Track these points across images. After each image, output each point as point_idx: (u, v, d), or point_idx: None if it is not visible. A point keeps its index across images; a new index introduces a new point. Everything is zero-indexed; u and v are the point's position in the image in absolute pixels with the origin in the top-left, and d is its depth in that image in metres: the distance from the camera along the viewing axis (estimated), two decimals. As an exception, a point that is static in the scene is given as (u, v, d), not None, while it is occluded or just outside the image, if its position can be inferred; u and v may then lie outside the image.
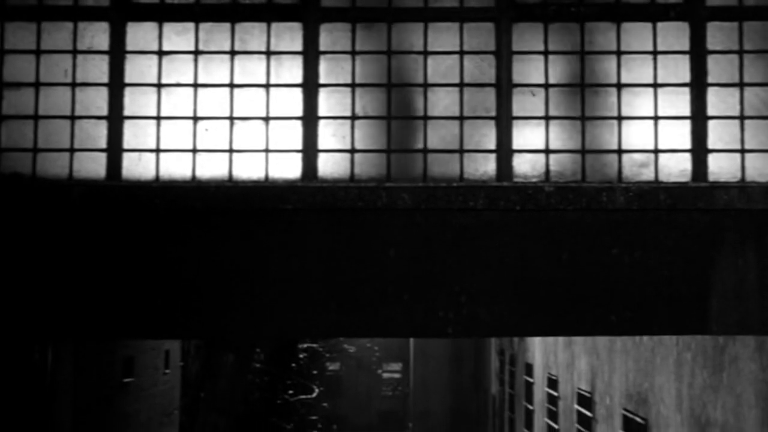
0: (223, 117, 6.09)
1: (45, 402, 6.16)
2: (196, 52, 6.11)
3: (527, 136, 6.10)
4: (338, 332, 5.90)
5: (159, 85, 6.09)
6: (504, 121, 6.05)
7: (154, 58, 6.11)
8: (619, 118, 6.08)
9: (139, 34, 6.12)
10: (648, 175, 6.07)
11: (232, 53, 6.11)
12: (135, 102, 6.09)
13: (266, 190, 5.92)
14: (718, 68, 6.11)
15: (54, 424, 6.66)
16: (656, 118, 6.09)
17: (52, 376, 6.30)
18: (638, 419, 9.92)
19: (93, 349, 7.98)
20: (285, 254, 5.92)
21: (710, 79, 6.10)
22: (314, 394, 18.75)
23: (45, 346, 6.11)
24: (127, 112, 6.08)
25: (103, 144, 6.06)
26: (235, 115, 6.08)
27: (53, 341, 6.18)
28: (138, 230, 5.90)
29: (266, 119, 6.09)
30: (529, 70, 6.12)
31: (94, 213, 5.91)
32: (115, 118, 6.06)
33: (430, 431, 33.33)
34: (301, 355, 18.36)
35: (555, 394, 14.77)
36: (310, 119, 6.07)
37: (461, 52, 6.11)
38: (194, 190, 5.91)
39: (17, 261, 5.87)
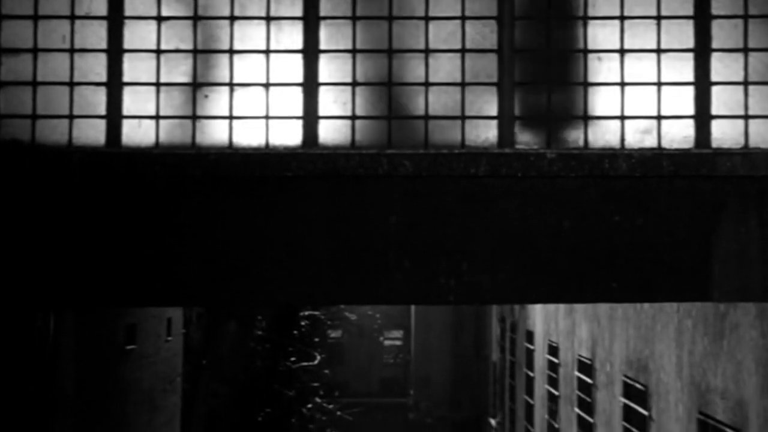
0: (222, 83, 6.04)
1: (47, 369, 6.17)
2: (195, 18, 6.05)
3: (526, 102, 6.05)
4: (339, 299, 5.89)
5: (158, 51, 6.04)
6: (506, 87, 6.01)
7: (153, 23, 6.05)
8: (622, 84, 6.03)
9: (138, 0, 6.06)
10: (651, 141, 6.03)
11: (232, 18, 6.05)
12: (134, 68, 6.04)
13: (266, 157, 5.89)
14: (722, 33, 6.05)
15: (56, 392, 6.69)
16: (659, 84, 6.04)
17: (55, 344, 6.31)
18: (638, 386, 9.95)
19: (95, 317, 7.99)
20: (285, 221, 5.90)
21: (714, 45, 6.04)
22: (316, 362, 18.82)
23: (47, 313, 6.12)
24: (126, 78, 6.03)
25: (103, 110, 6.03)
26: (234, 81, 6.04)
27: (55, 308, 6.18)
28: (138, 197, 5.88)
29: (266, 85, 6.04)
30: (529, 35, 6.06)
31: (94, 180, 5.88)
32: (114, 85, 6.02)
33: (430, 398, 33.51)
34: (302, 323, 18.40)
35: (556, 361, 14.82)
36: (310, 85, 6.02)
37: (463, 18, 6.05)
38: (194, 157, 5.88)
39: (17, 228, 5.85)
